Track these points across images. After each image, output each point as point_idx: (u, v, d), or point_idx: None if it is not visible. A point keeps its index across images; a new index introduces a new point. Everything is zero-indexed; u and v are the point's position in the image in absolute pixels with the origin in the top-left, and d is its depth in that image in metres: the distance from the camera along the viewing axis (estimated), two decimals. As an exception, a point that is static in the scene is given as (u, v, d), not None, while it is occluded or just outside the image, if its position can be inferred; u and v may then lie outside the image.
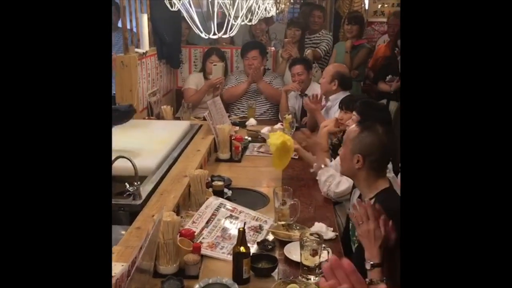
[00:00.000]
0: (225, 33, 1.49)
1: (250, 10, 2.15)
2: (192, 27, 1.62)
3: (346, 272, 0.93)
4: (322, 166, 2.42)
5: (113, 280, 1.19)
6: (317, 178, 2.40)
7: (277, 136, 2.55)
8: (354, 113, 2.48)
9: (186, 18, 1.71)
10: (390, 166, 2.16)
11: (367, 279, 1.50)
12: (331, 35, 4.49)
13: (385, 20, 4.91)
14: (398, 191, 1.91)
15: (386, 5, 5.15)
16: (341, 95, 3.22)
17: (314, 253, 1.60)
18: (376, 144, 1.84)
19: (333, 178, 2.34)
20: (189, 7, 1.56)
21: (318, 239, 1.63)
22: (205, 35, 1.57)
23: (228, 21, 1.56)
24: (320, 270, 1.63)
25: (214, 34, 1.49)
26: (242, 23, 1.72)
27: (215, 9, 1.52)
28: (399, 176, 2.03)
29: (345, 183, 2.28)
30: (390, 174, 2.09)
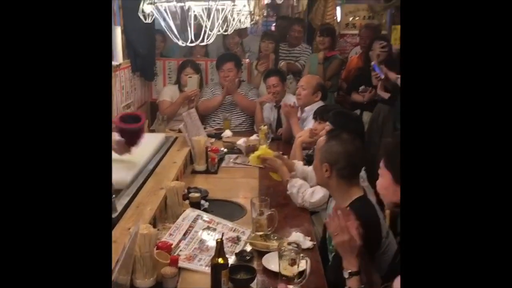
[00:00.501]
0: (202, 40, 1.50)
1: (225, 21, 2.16)
2: (169, 34, 1.62)
3: None
4: (287, 179, 2.42)
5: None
6: (288, 192, 2.39)
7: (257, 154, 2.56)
8: (327, 123, 2.50)
9: (163, 25, 1.70)
10: (364, 175, 2.19)
11: None
12: (310, 49, 4.51)
13: (356, 32, 5.00)
14: (373, 200, 1.93)
15: (357, 18, 5.26)
16: (316, 105, 3.26)
17: (293, 262, 1.60)
18: (342, 153, 1.87)
19: (304, 188, 2.35)
20: (166, 15, 1.55)
21: (296, 249, 1.63)
22: (183, 43, 1.57)
23: (205, 31, 1.57)
24: (299, 280, 1.63)
25: (192, 42, 1.49)
26: (218, 33, 1.73)
27: (192, 18, 1.52)
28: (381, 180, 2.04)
29: (320, 192, 2.29)
30: (364, 183, 2.11)
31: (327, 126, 2.48)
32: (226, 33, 2.53)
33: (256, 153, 2.55)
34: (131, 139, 2.40)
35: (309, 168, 2.54)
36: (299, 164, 2.65)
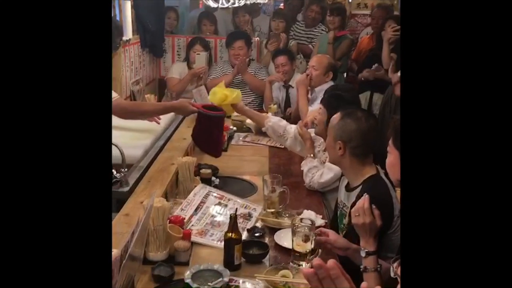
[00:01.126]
0: (234, 3, 1.47)
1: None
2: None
3: (331, 277, 0.87)
4: (309, 155, 2.42)
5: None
6: (301, 168, 2.40)
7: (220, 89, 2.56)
8: (320, 105, 2.45)
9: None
10: None
11: (361, 266, 1.51)
12: (326, 31, 4.37)
13: (368, 12, 4.93)
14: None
15: (369, -2, 5.17)
16: (326, 86, 3.22)
17: (306, 239, 1.60)
18: (356, 131, 1.85)
19: (316, 169, 2.34)
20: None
21: (310, 225, 1.63)
22: (214, 3, 1.54)
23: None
24: (312, 256, 1.63)
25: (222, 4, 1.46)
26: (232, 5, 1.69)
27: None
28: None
29: (328, 173, 2.28)
30: None
31: (321, 109, 2.42)
32: (247, 1, 2.48)
33: (221, 95, 2.50)
34: (210, 127, 2.34)
35: (286, 123, 2.60)
36: (274, 118, 2.66)
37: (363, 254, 1.52)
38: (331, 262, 0.88)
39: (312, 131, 2.49)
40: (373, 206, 1.58)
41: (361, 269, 1.52)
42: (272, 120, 2.60)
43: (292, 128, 2.57)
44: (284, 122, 2.64)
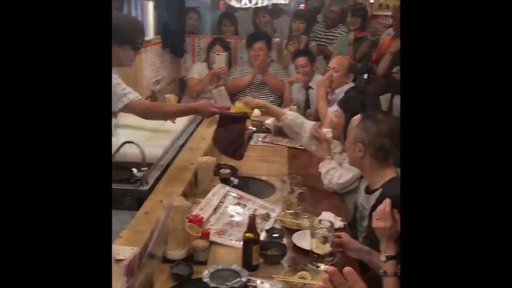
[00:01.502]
0: (256, 3, 1.47)
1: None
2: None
3: (349, 283, 0.88)
4: (326, 157, 2.40)
5: (126, 262, 1.19)
6: (319, 170, 2.39)
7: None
8: (337, 107, 2.42)
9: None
10: None
11: (381, 271, 1.49)
12: (347, 32, 4.30)
13: (390, 13, 4.87)
14: None
15: (391, -2, 5.10)
16: (346, 87, 3.20)
17: (325, 240, 1.59)
18: (377, 133, 1.83)
19: (334, 170, 2.33)
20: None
21: (329, 227, 1.62)
22: (237, 3, 1.55)
23: None
24: (330, 258, 1.62)
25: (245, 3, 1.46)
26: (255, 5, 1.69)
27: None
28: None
29: (347, 174, 2.26)
30: None
31: (337, 111, 2.39)
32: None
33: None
34: (231, 128, 2.32)
35: (303, 120, 2.56)
36: (292, 113, 2.62)
37: (383, 258, 1.50)
38: (347, 268, 0.88)
39: (328, 132, 2.47)
40: (394, 211, 1.56)
41: (381, 273, 1.50)
42: (289, 117, 2.54)
43: (310, 126, 2.55)
44: (301, 119, 2.60)
